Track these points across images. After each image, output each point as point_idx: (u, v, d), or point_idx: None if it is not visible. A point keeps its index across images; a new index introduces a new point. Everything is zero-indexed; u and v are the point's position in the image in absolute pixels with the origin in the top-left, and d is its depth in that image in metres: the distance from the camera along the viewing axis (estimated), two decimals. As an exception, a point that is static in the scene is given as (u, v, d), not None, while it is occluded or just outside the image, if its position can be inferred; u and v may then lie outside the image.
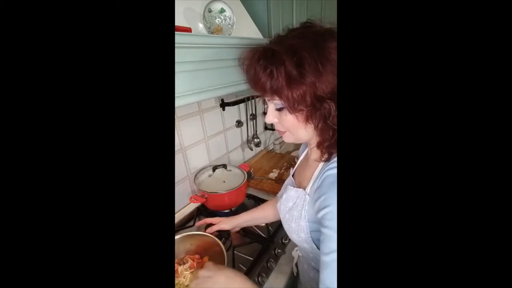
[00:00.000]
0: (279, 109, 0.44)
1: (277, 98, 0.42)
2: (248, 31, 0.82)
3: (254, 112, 1.30)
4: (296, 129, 0.45)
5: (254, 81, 0.43)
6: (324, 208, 0.40)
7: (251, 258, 0.73)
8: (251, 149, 1.38)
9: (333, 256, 0.37)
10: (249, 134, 1.34)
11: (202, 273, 0.50)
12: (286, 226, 0.55)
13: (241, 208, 0.98)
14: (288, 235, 0.56)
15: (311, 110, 0.41)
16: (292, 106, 0.41)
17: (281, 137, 0.51)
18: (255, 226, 0.85)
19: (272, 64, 0.39)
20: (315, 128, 0.43)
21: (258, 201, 1.02)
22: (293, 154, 1.43)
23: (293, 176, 0.61)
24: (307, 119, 0.43)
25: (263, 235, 0.83)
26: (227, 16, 0.64)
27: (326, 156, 0.45)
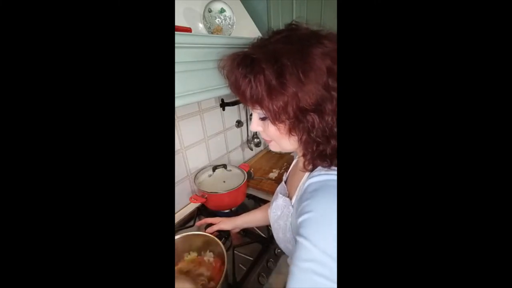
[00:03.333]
0: (263, 119, 0.42)
1: (258, 108, 0.40)
2: (248, 31, 0.82)
3: (254, 112, 1.29)
4: (280, 139, 0.43)
5: (235, 88, 0.40)
6: (301, 215, 0.37)
7: (251, 258, 0.73)
8: (251, 149, 1.38)
9: (301, 265, 0.34)
10: (249, 134, 1.34)
11: None
12: (275, 235, 0.53)
13: (241, 208, 0.98)
14: (278, 244, 0.54)
15: (294, 122, 0.38)
16: (273, 117, 0.38)
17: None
18: (255, 226, 0.85)
19: (251, 73, 0.37)
20: (298, 141, 0.41)
21: (258, 201, 1.02)
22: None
23: (285, 182, 0.59)
24: (290, 131, 0.40)
25: (263, 235, 0.83)
26: (227, 16, 0.64)
27: (310, 167, 0.42)
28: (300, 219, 0.37)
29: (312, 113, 0.37)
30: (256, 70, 0.36)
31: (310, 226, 0.35)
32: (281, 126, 0.40)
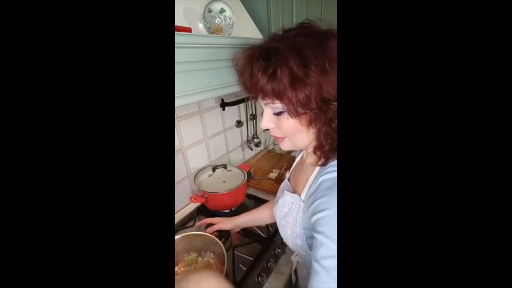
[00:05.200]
0: (278, 114, 0.41)
1: (277, 101, 0.39)
2: (248, 31, 0.82)
3: (254, 112, 1.30)
4: (295, 134, 0.43)
5: (251, 83, 0.39)
6: (318, 212, 0.38)
7: (251, 258, 0.73)
8: (251, 149, 1.38)
9: (324, 263, 0.34)
10: (249, 134, 1.34)
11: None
12: (282, 232, 0.53)
13: (241, 208, 0.98)
14: (285, 241, 0.54)
15: (316, 113, 0.38)
16: (294, 110, 0.38)
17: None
18: (255, 226, 0.85)
19: (275, 64, 0.36)
20: (319, 133, 0.41)
21: (258, 201, 1.02)
22: (293, 154, 1.43)
23: (288, 179, 0.59)
24: (310, 123, 0.40)
25: (263, 235, 0.83)
26: (227, 16, 0.64)
27: (323, 160, 0.42)
28: (316, 217, 0.38)
29: (335, 102, 0.37)
30: (280, 61, 0.36)
31: (328, 224, 0.36)
32: (302, 118, 0.40)
